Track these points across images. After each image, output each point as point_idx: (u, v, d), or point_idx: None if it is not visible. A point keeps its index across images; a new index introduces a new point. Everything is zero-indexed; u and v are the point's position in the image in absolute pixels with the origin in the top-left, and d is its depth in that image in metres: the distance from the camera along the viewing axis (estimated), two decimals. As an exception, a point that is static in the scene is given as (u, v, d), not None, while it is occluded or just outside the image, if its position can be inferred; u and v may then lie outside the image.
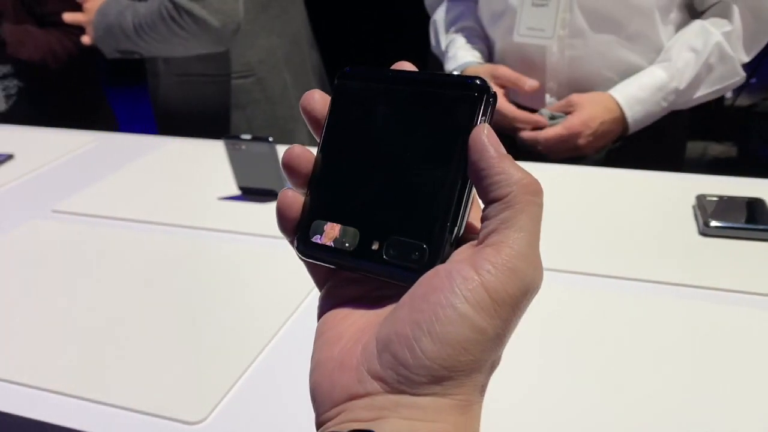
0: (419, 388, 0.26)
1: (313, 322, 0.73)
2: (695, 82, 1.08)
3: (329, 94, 0.34)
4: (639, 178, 0.97)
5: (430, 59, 1.40)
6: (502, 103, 1.13)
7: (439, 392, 0.26)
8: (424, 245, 0.30)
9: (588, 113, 1.07)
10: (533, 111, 1.13)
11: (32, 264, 0.84)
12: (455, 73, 1.21)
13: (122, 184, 1.07)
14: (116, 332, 0.69)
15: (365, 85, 0.33)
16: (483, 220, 0.29)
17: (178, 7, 1.18)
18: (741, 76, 1.09)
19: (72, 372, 0.64)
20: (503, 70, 1.14)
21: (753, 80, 2.51)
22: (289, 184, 0.97)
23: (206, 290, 0.76)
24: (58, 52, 1.58)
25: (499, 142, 0.29)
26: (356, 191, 0.32)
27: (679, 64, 1.06)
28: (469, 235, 0.30)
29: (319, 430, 0.28)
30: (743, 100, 2.72)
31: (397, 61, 0.34)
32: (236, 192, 0.99)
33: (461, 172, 0.30)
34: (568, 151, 1.09)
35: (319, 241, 0.32)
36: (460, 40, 1.24)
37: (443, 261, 0.29)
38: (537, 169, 0.30)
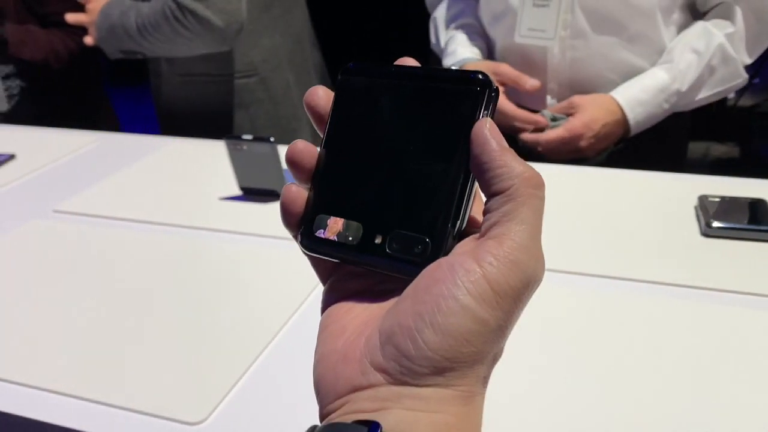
0: (422, 379, 0.26)
1: (314, 322, 0.73)
2: (697, 84, 1.07)
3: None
4: (640, 178, 0.97)
5: (431, 58, 1.40)
6: (502, 102, 1.13)
7: (441, 383, 0.26)
8: (426, 239, 0.30)
9: (590, 115, 1.07)
10: (534, 112, 1.13)
11: (33, 264, 0.84)
12: (454, 68, 1.20)
13: (123, 184, 1.07)
14: (117, 332, 0.69)
15: (368, 81, 0.34)
16: (485, 213, 0.29)
17: (182, 7, 1.18)
18: (743, 77, 1.09)
19: (72, 372, 0.64)
20: (504, 68, 1.14)
21: (756, 80, 2.50)
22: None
23: (207, 290, 0.76)
24: (60, 53, 1.58)
25: (501, 136, 0.29)
26: (359, 186, 0.32)
27: (681, 65, 1.06)
28: (472, 228, 0.30)
29: (323, 421, 0.28)
30: (746, 101, 2.72)
31: (398, 60, 0.35)
32: (237, 192, 0.99)
33: (463, 166, 0.30)
34: (569, 153, 1.09)
35: (322, 236, 0.33)
36: (459, 37, 1.24)
37: (446, 254, 0.29)
38: (538, 169, 0.29)
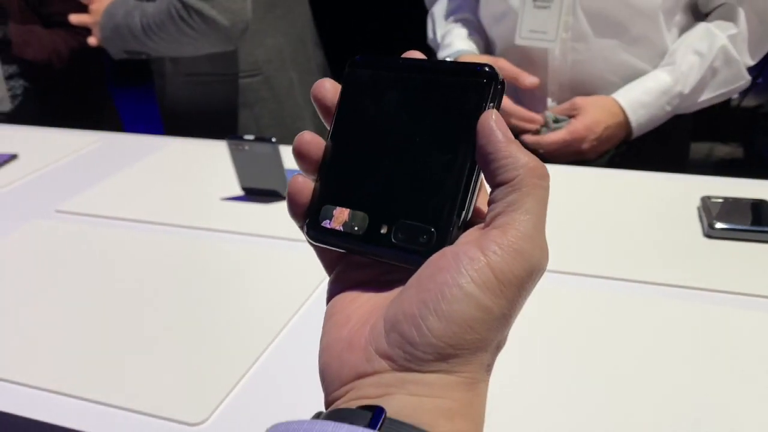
0: (425, 365, 0.27)
1: (315, 322, 0.72)
2: (700, 86, 1.07)
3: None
4: (643, 179, 0.97)
5: (432, 57, 1.40)
6: None
7: (445, 369, 0.27)
8: (432, 229, 0.30)
9: (592, 118, 1.06)
10: (536, 113, 1.13)
11: (35, 264, 0.84)
12: (448, 60, 1.20)
13: (125, 184, 1.07)
14: (118, 332, 0.69)
15: (375, 73, 0.34)
16: (490, 203, 0.29)
17: (187, 7, 1.19)
18: (746, 79, 1.08)
19: (73, 372, 0.64)
20: (503, 63, 1.13)
21: (759, 80, 2.50)
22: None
23: (208, 291, 0.76)
24: (63, 53, 1.58)
25: (507, 128, 0.30)
26: (365, 176, 0.33)
27: (683, 67, 1.05)
28: (477, 219, 0.31)
29: (329, 408, 0.28)
30: (750, 101, 2.71)
31: (404, 53, 0.35)
32: (239, 192, 0.99)
33: (469, 157, 0.30)
34: (570, 156, 1.08)
35: (328, 226, 0.33)
36: (456, 30, 1.24)
37: (451, 244, 0.30)
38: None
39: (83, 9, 1.35)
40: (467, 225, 0.31)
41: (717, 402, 0.55)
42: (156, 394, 0.60)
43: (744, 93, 2.62)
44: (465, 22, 1.25)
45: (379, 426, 0.25)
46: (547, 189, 0.29)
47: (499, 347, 0.29)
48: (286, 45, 1.42)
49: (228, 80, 1.40)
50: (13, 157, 1.20)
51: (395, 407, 0.26)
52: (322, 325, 0.32)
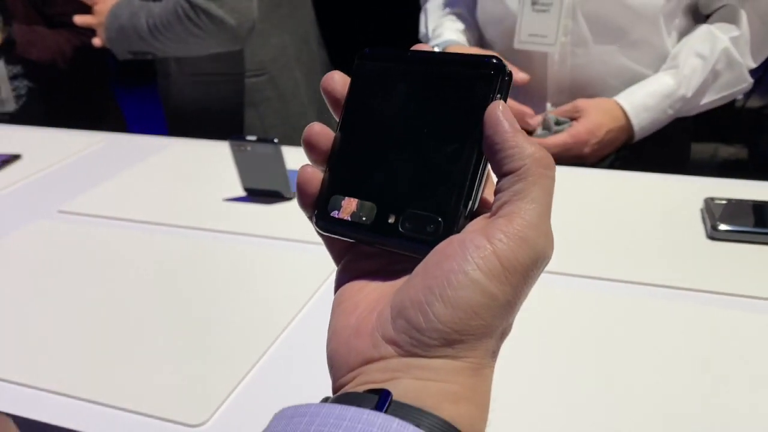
0: (431, 351, 0.27)
1: (317, 324, 0.73)
2: (702, 89, 1.06)
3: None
4: (646, 180, 0.96)
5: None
6: None
7: (450, 355, 0.27)
8: (439, 218, 0.31)
9: (594, 121, 1.05)
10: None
11: (37, 264, 0.84)
12: (437, 50, 1.20)
13: (128, 184, 1.07)
14: (119, 333, 0.69)
15: (384, 65, 0.34)
16: (496, 192, 0.30)
17: (194, 7, 1.19)
18: (748, 82, 1.08)
19: (73, 372, 0.64)
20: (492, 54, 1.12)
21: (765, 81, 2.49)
22: (293, 185, 0.97)
23: (209, 292, 0.76)
24: (67, 53, 1.59)
25: (514, 118, 0.30)
26: (374, 167, 0.33)
27: (685, 71, 1.05)
28: (483, 209, 0.31)
29: (336, 394, 0.29)
30: (754, 102, 2.70)
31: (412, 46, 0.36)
32: (241, 193, 0.99)
33: (476, 148, 0.31)
34: (571, 159, 1.08)
35: (337, 216, 0.33)
36: (448, 23, 1.23)
37: (458, 233, 0.30)
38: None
39: (87, 10, 1.35)
40: (474, 215, 0.31)
41: (721, 405, 0.55)
42: (156, 395, 0.60)
43: (748, 94, 2.62)
44: (458, 16, 1.25)
45: (385, 408, 0.26)
46: (552, 179, 0.30)
47: (504, 334, 0.30)
48: (291, 44, 1.43)
49: (233, 80, 1.40)
50: (16, 157, 1.20)
51: (401, 390, 0.27)
52: (330, 314, 0.33)
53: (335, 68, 0.36)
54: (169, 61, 1.45)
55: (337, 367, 0.30)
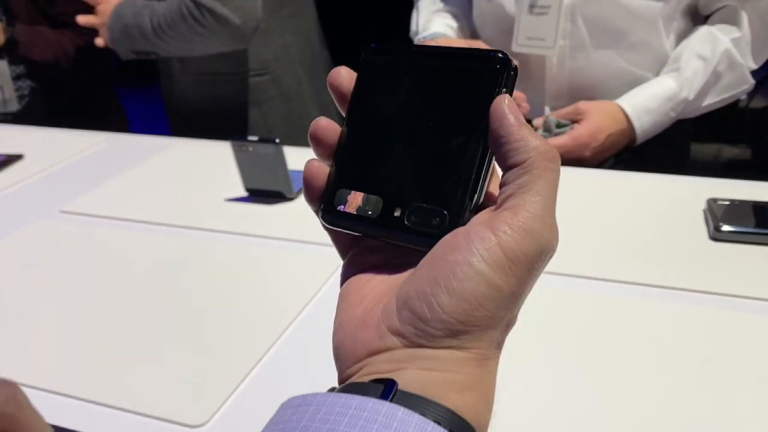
0: (436, 341, 0.27)
1: (318, 324, 0.72)
2: (704, 91, 1.06)
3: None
4: (648, 181, 0.96)
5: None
6: None
7: (455, 345, 0.27)
8: (444, 211, 0.31)
9: (596, 124, 1.05)
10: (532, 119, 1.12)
11: (38, 264, 0.84)
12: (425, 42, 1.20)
13: (130, 184, 1.07)
14: (120, 333, 0.69)
15: (390, 60, 0.35)
16: (501, 185, 0.30)
17: (199, 6, 1.19)
18: (750, 83, 1.07)
19: (74, 372, 0.64)
20: (479, 45, 1.12)
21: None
22: (295, 185, 0.97)
23: (211, 292, 0.76)
24: (69, 53, 1.59)
25: (519, 112, 0.30)
26: (380, 161, 0.33)
27: (687, 73, 1.04)
28: (489, 203, 0.31)
29: (342, 385, 0.29)
30: (758, 102, 2.69)
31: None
32: (243, 193, 0.99)
33: (482, 142, 0.31)
34: (572, 162, 1.07)
35: (343, 210, 0.34)
36: (438, 19, 1.23)
37: (463, 226, 0.30)
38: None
39: (90, 10, 1.36)
40: (479, 208, 0.31)
41: (725, 406, 0.55)
42: (157, 396, 0.60)
43: (752, 94, 2.61)
44: (449, 14, 1.24)
45: (390, 397, 0.26)
46: (557, 172, 0.30)
47: (509, 326, 0.30)
48: (294, 44, 1.43)
49: (236, 79, 1.40)
50: (18, 157, 1.20)
51: (407, 380, 0.27)
52: (333, 310, 0.33)
53: (338, 67, 0.36)
54: (172, 60, 1.45)
55: (343, 359, 0.30)
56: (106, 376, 0.63)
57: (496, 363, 0.29)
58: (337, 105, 0.36)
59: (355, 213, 0.33)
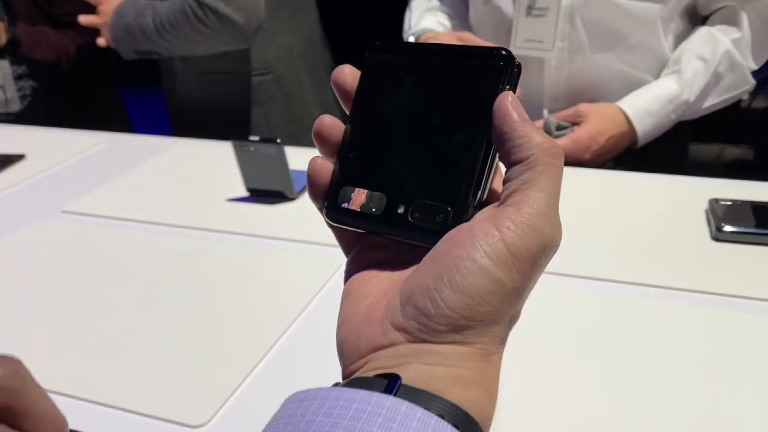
0: (440, 336, 0.28)
1: (319, 325, 0.72)
2: (704, 93, 1.05)
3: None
4: (650, 181, 0.96)
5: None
6: None
7: (459, 340, 0.28)
8: (448, 208, 0.31)
9: (596, 127, 1.04)
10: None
11: (39, 264, 0.84)
12: (412, 39, 1.20)
13: (131, 184, 1.07)
14: (121, 333, 0.69)
15: (394, 57, 0.35)
16: (505, 182, 0.30)
17: (202, 5, 1.19)
18: (751, 84, 1.07)
19: (74, 372, 0.64)
20: (467, 36, 1.11)
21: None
22: (296, 185, 0.97)
23: (212, 292, 0.76)
24: (71, 53, 1.59)
25: (522, 109, 0.31)
26: (384, 158, 0.33)
27: (687, 74, 1.04)
28: (492, 200, 0.31)
29: (346, 380, 0.29)
30: (760, 102, 2.69)
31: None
32: (244, 193, 0.99)
33: (485, 138, 0.31)
34: (572, 164, 1.07)
35: (347, 207, 0.34)
36: (429, 16, 1.22)
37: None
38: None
39: (92, 9, 1.36)
40: (483, 205, 0.31)
41: (727, 408, 0.55)
42: (158, 396, 0.60)
43: (754, 94, 2.60)
44: (443, 13, 1.24)
45: (394, 392, 0.26)
46: (560, 168, 0.30)
47: (512, 321, 0.30)
48: (296, 44, 1.43)
49: (239, 79, 1.40)
50: (20, 157, 1.20)
51: (410, 375, 0.27)
52: (334, 309, 0.33)
53: (339, 68, 0.36)
54: (174, 60, 1.45)
55: (347, 355, 0.31)
56: (106, 376, 0.63)
57: (500, 358, 0.29)
58: (341, 103, 0.36)
59: (359, 210, 0.33)
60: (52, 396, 0.61)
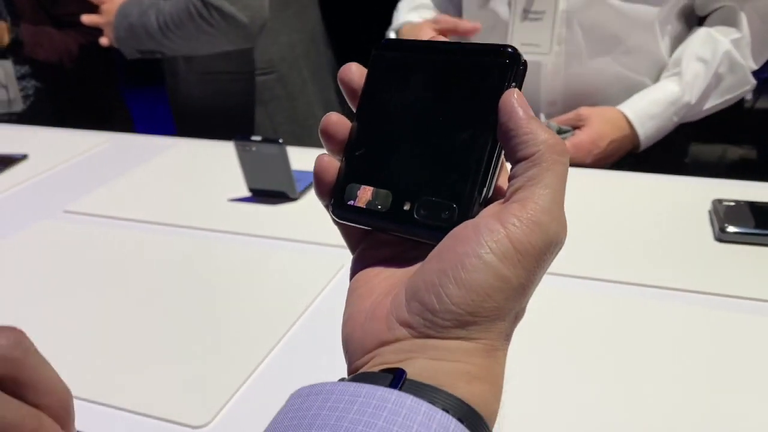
0: (444, 332, 0.28)
1: (320, 325, 0.72)
2: (705, 94, 1.05)
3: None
4: (653, 182, 0.96)
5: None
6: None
7: (464, 336, 0.28)
8: (454, 204, 0.31)
9: (597, 131, 1.03)
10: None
11: (42, 264, 0.84)
12: (392, 35, 1.20)
13: (133, 185, 1.07)
14: (123, 333, 0.69)
15: (400, 55, 0.35)
16: (510, 178, 0.30)
17: (207, 4, 1.19)
18: (751, 84, 1.06)
19: (75, 372, 0.64)
20: (442, 17, 1.11)
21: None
22: (298, 185, 0.97)
23: (213, 292, 0.76)
24: (74, 53, 1.59)
25: (528, 106, 0.31)
26: (390, 155, 0.33)
27: (688, 76, 1.03)
28: (498, 197, 0.32)
29: (351, 375, 0.29)
30: (763, 103, 2.68)
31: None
32: (247, 194, 0.98)
33: (491, 136, 0.31)
34: (572, 167, 1.06)
35: (353, 204, 0.34)
36: (414, 15, 1.22)
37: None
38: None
39: (94, 9, 1.36)
40: (488, 202, 0.32)
41: (730, 409, 0.54)
42: (159, 396, 0.60)
43: (757, 95, 2.59)
44: (428, 10, 1.24)
45: (399, 386, 0.26)
46: (566, 165, 0.30)
47: (517, 318, 0.30)
48: (299, 43, 1.43)
49: (242, 78, 1.40)
50: (23, 157, 1.20)
51: (416, 370, 0.27)
52: (344, 301, 0.33)
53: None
54: (177, 59, 1.45)
55: (353, 351, 0.31)
56: (108, 376, 0.63)
57: (505, 354, 0.29)
58: (347, 100, 0.36)
59: (365, 207, 0.33)
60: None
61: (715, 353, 0.61)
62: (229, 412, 0.58)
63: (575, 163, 1.05)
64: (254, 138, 0.92)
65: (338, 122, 0.34)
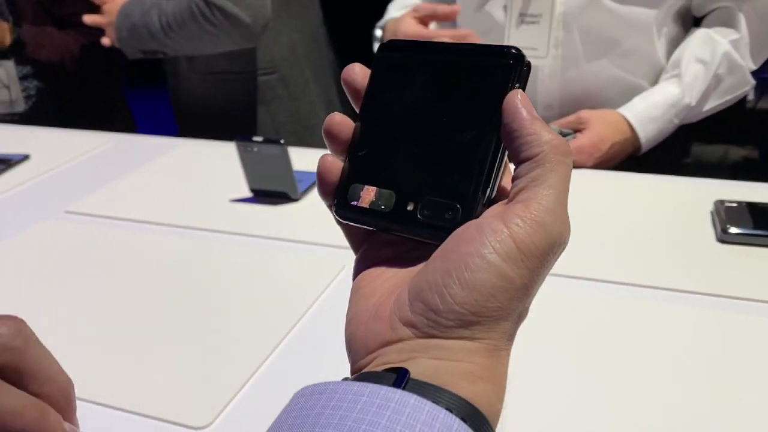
0: (448, 332, 0.28)
1: (322, 325, 0.72)
2: (705, 95, 1.05)
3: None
4: (655, 182, 0.96)
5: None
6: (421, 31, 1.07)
7: (467, 336, 0.28)
8: (457, 205, 0.31)
9: (598, 134, 1.03)
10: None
11: (44, 264, 0.84)
12: (379, 32, 1.20)
13: (135, 185, 1.07)
14: (124, 333, 0.69)
15: (404, 56, 0.35)
16: (514, 179, 0.30)
17: (209, 4, 1.19)
18: (751, 84, 1.06)
19: (76, 373, 0.63)
20: (421, 5, 1.11)
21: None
22: (300, 186, 0.97)
23: (215, 293, 0.75)
24: (76, 54, 1.59)
25: (532, 107, 0.31)
26: (393, 156, 0.33)
27: (687, 78, 1.03)
28: (501, 197, 0.32)
29: (355, 375, 0.29)
30: (765, 103, 2.67)
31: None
32: (248, 194, 0.98)
33: (495, 136, 0.31)
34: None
35: (356, 204, 0.34)
36: (401, 12, 1.21)
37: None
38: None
39: (96, 9, 1.36)
40: (492, 202, 0.32)
41: (732, 411, 0.54)
42: (161, 397, 0.60)
43: (759, 95, 2.59)
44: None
45: (403, 386, 0.26)
46: (569, 166, 0.30)
47: (521, 318, 0.30)
48: (301, 43, 1.43)
49: (244, 78, 1.40)
50: (25, 157, 1.20)
51: (419, 369, 0.27)
52: (348, 300, 0.33)
53: (342, 69, 0.36)
54: (179, 59, 1.45)
55: (356, 350, 0.31)
56: (109, 377, 0.63)
57: (508, 354, 0.29)
58: (351, 101, 0.36)
59: (368, 207, 0.33)
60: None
61: (717, 354, 0.61)
62: (231, 413, 0.58)
63: (576, 166, 1.05)
64: (256, 138, 0.92)
65: (342, 122, 0.34)
